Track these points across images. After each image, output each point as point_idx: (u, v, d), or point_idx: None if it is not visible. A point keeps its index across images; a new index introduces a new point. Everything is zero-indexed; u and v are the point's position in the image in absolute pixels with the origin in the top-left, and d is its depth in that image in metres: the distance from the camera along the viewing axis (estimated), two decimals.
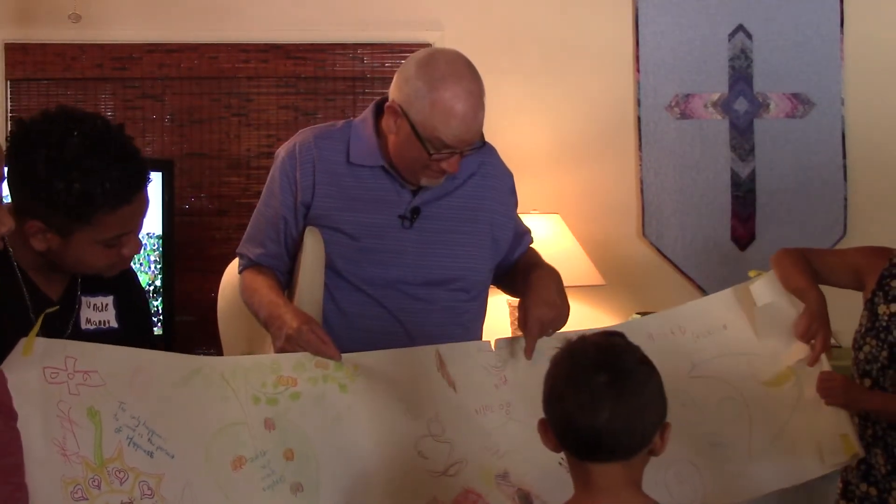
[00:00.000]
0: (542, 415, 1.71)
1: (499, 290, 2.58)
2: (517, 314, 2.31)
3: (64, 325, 2.03)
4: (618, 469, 1.68)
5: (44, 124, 1.92)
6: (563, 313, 2.28)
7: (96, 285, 2.10)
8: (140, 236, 2.04)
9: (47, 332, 1.91)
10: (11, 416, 1.72)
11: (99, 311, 2.09)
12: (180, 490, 1.93)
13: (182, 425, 1.99)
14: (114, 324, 2.11)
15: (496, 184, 2.47)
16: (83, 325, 2.06)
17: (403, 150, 2.30)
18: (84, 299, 2.07)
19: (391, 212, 2.35)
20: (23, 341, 1.85)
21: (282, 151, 2.43)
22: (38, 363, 1.85)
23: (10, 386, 1.76)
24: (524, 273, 2.39)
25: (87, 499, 1.82)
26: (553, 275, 2.36)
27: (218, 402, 2.05)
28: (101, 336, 2.05)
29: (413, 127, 2.25)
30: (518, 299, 2.36)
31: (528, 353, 2.23)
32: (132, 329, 2.14)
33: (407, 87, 2.26)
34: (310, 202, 2.36)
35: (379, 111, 2.37)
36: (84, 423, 1.87)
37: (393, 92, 2.30)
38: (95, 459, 1.86)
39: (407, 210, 2.36)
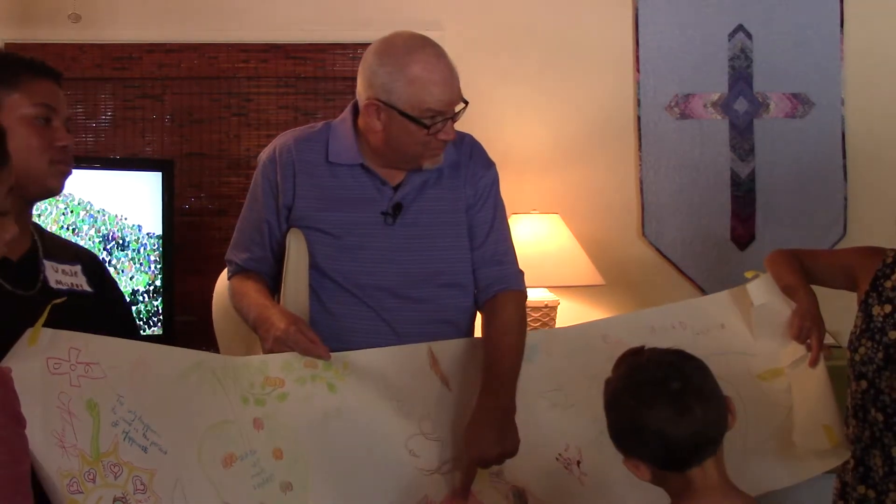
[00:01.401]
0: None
1: None
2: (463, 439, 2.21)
3: (32, 280, 2.02)
4: (712, 464, 1.73)
5: None
6: (503, 452, 2.17)
7: (59, 256, 2.11)
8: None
9: (11, 288, 1.94)
10: (21, 422, 1.71)
11: (69, 275, 2.10)
12: (171, 486, 1.94)
13: (176, 421, 2.00)
14: (87, 288, 2.12)
15: (470, 172, 2.42)
16: (53, 285, 2.05)
17: (398, 139, 2.29)
18: (48, 263, 2.07)
19: (373, 209, 2.35)
20: (29, 331, 1.85)
21: (263, 156, 2.44)
22: (43, 354, 1.85)
23: (14, 376, 1.76)
24: (484, 373, 2.26)
25: (82, 492, 1.82)
26: (501, 401, 2.21)
27: (211, 400, 2.06)
28: (77, 297, 2.06)
29: (401, 111, 2.25)
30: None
31: (463, 493, 2.16)
32: (107, 295, 2.16)
33: (377, 79, 2.26)
34: (291, 204, 2.36)
35: (357, 110, 2.37)
36: (83, 416, 1.88)
37: (364, 92, 2.30)
38: (92, 453, 1.86)
39: (389, 207, 2.35)
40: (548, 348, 2.36)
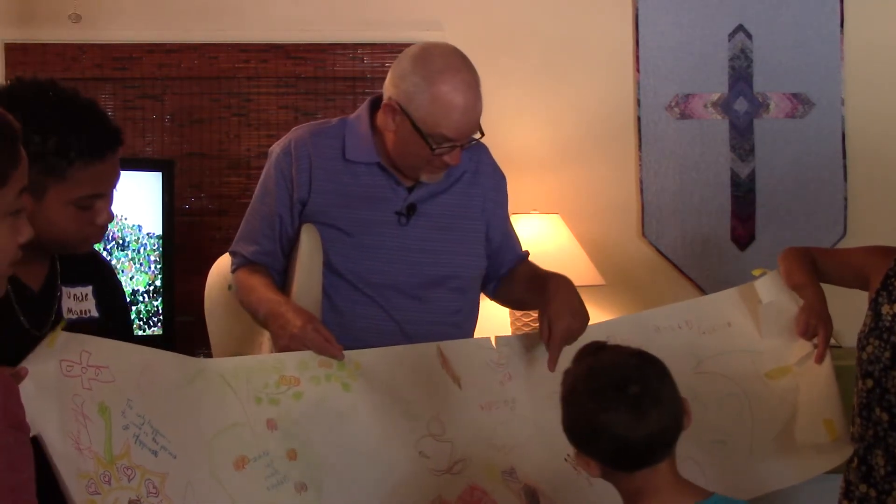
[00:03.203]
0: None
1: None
2: (539, 324, 2.25)
3: (47, 315, 2.01)
4: (665, 465, 1.72)
5: (17, 89, 1.93)
6: (586, 321, 2.25)
7: (75, 275, 2.09)
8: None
9: (29, 322, 1.92)
10: (24, 429, 1.70)
11: (79, 300, 2.08)
12: (183, 490, 1.93)
13: (184, 426, 1.99)
14: (94, 313, 2.10)
15: (490, 182, 2.47)
16: (65, 315, 2.04)
17: (404, 146, 2.29)
18: (65, 289, 2.06)
19: (387, 209, 2.35)
20: (50, 335, 1.85)
21: (276, 148, 2.42)
22: (57, 355, 1.85)
23: (31, 376, 1.76)
24: (535, 283, 2.36)
25: (99, 493, 1.82)
26: (571, 283, 2.31)
27: (218, 404, 2.05)
28: (83, 325, 2.04)
29: (414, 123, 2.24)
30: (522, 309, 2.35)
31: (552, 364, 2.17)
32: (111, 316, 2.14)
33: (404, 84, 2.25)
34: (306, 199, 2.35)
35: (374, 108, 2.36)
36: (95, 419, 1.87)
37: (389, 89, 2.29)
38: (105, 455, 1.86)
39: (403, 207, 2.35)
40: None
